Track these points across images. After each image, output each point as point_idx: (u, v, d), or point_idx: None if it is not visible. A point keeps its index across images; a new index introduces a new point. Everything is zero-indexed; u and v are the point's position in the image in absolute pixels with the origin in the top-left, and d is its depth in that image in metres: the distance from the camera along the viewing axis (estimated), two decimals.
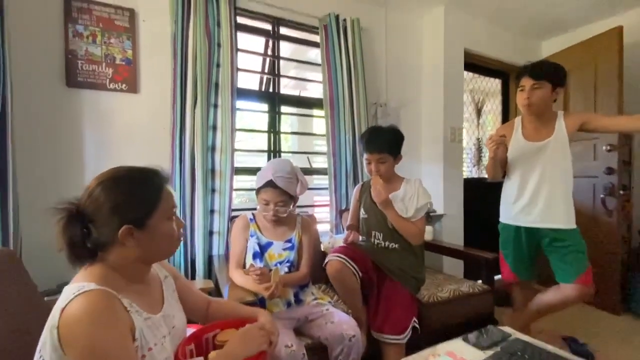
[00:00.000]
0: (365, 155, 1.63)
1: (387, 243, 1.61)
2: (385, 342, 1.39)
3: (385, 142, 1.58)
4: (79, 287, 0.61)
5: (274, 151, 2.16)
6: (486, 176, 3.05)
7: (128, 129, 1.68)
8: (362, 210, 1.71)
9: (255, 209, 1.57)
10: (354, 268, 1.43)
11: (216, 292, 1.57)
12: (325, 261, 1.46)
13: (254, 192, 1.47)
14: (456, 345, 1.10)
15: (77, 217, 0.66)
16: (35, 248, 1.30)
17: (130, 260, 0.70)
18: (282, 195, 1.37)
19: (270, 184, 1.36)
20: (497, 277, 1.83)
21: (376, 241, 1.63)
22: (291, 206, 1.44)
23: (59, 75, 1.54)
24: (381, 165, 1.58)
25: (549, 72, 1.53)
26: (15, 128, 1.34)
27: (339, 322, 1.29)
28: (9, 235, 1.23)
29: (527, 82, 1.56)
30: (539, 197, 1.59)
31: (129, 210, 0.68)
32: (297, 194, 1.42)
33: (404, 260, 1.59)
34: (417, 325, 1.46)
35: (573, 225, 1.57)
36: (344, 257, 1.43)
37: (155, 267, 0.84)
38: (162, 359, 0.70)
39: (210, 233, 1.80)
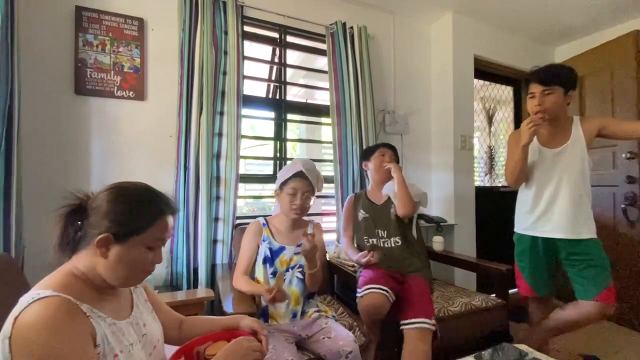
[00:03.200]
0: (378, 153, 1.84)
1: (392, 240, 1.68)
2: (415, 328, 1.33)
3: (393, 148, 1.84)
4: (34, 295, 0.58)
5: (280, 158, 2.14)
6: (499, 184, 3.03)
7: (135, 136, 1.69)
8: (360, 213, 1.78)
9: (264, 216, 1.55)
10: (390, 297, 1.38)
11: (217, 302, 1.54)
12: (362, 294, 1.39)
13: (277, 189, 1.46)
14: None
15: (80, 210, 0.69)
16: (38, 256, 1.29)
17: (94, 272, 0.68)
18: (309, 186, 1.42)
19: (300, 174, 1.40)
20: (512, 290, 1.74)
21: (382, 241, 1.68)
22: (312, 201, 1.45)
23: (68, 83, 1.57)
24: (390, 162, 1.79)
25: (559, 76, 1.45)
26: (23, 135, 1.36)
27: (335, 337, 1.23)
28: (11, 242, 1.22)
29: (536, 88, 1.47)
30: (556, 206, 1.50)
31: (117, 221, 0.67)
32: (318, 190, 1.47)
33: (410, 255, 1.67)
34: (437, 329, 1.39)
35: (593, 236, 1.47)
36: (385, 288, 1.38)
37: None
38: None
39: (214, 241, 1.77)
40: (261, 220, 1.48)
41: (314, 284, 1.38)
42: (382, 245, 1.69)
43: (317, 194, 1.49)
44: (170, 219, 0.75)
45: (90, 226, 0.67)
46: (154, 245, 0.72)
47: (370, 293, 1.37)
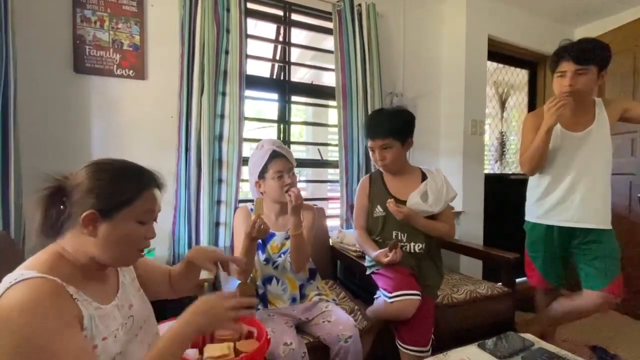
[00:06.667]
0: (368, 143, 1.50)
1: (412, 244, 1.46)
2: (409, 353, 1.28)
3: (390, 125, 1.42)
4: (17, 276, 0.56)
5: (284, 142, 2.09)
6: (509, 172, 2.94)
7: (135, 116, 1.66)
8: (377, 208, 1.52)
9: (250, 201, 1.49)
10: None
11: (218, 284, 1.53)
12: (394, 299, 1.27)
13: (257, 179, 1.36)
14: (470, 352, 1.01)
15: (60, 191, 0.66)
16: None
17: (84, 253, 0.66)
18: (290, 163, 1.34)
19: (275, 154, 1.31)
20: (519, 279, 1.70)
21: (399, 243, 1.43)
22: (297, 178, 1.38)
23: (66, 61, 1.53)
24: (386, 152, 1.44)
25: (596, 55, 1.32)
26: (21, 113, 1.33)
27: (335, 321, 1.21)
28: (10, 222, 1.22)
29: (569, 66, 1.33)
30: (576, 194, 1.42)
31: (101, 196, 0.64)
32: (294, 164, 1.37)
33: (429, 266, 1.47)
34: (433, 335, 1.34)
35: (609, 226, 1.41)
36: (417, 292, 1.28)
37: None
38: (116, 351, 0.65)
39: (217, 224, 1.76)
40: (249, 205, 1.43)
41: (298, 257, 1.28)
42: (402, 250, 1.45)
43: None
44: (157, 192, 0.72)
45: (74, 205, 0.64)
46: (144, 219, 0.70)
47: (405, 299, 1.25)
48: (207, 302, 0.71)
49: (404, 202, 1.46)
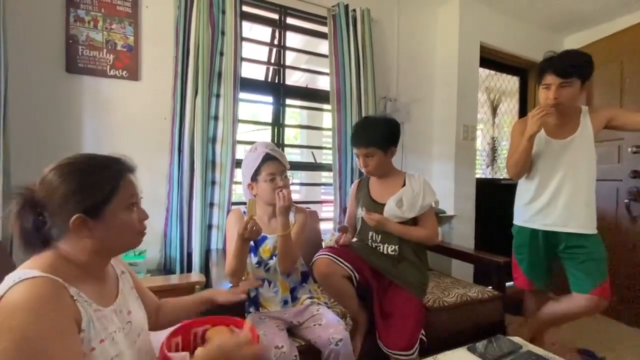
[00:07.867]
0: (354, 150, 1.53)
1: (385, 246, 1.45)
2: (394, 357, 1.26)
3: (373, 134, 1.43)
4: (20, 275, 0.56)
5: (277, 144, 2.10)
6: (501, 177, 2.99)
7: (128, 117, 1.65)
8: (359, 212, 1.55)
9: (243, 203, 1.48)
10: (348, 268, 1.31)
11: (211, 287, 1.52)
12: (312, 260, 1.33)
13: (250, 182, 1.36)
14: (459, 355, 1.02)
15: (31, 204, 0.63)
16: None
17: (86, 252, 0.65)
18: (283, 166, 1.35)
19: (268, 157, 1.32)
20: (509, 283, 1.72)
21: (374, 244, 1.47)
22: (290, 180, 1.38)
23: (59, 61, 1.52)
24: (369, 160, 1.46)
25: (579, 67, 1.36)
26: (11, 113, 1.32)
27: (326, 324, 1.21)
28: None
29: (553, 80, 1.37)
30: (559, 199, 1.46)
31: (81, 198, 0.63)
32: (287, 167, 1.38)
33: (405, 267, 1.45)
34: (424, 338, 1.32)
35: (594, 230, 1.45)
36: (334, 255, 1.31)
37: (112, 261, 0.79)
38: (114, 353, 0.64)
39: (209, 227, 1.75)
40: (241, 208, 1.42)
41: (285, 258, 1.28)
42: (372, 247, 1.48)
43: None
44: (131, 176, 0.71)
45: (54, 215, 0.62)
46: (130, 204, 0.69)
47: (318, 259, 1.31)
48: (223, 352, 0.70)
49: (380, 205, 1.47)
